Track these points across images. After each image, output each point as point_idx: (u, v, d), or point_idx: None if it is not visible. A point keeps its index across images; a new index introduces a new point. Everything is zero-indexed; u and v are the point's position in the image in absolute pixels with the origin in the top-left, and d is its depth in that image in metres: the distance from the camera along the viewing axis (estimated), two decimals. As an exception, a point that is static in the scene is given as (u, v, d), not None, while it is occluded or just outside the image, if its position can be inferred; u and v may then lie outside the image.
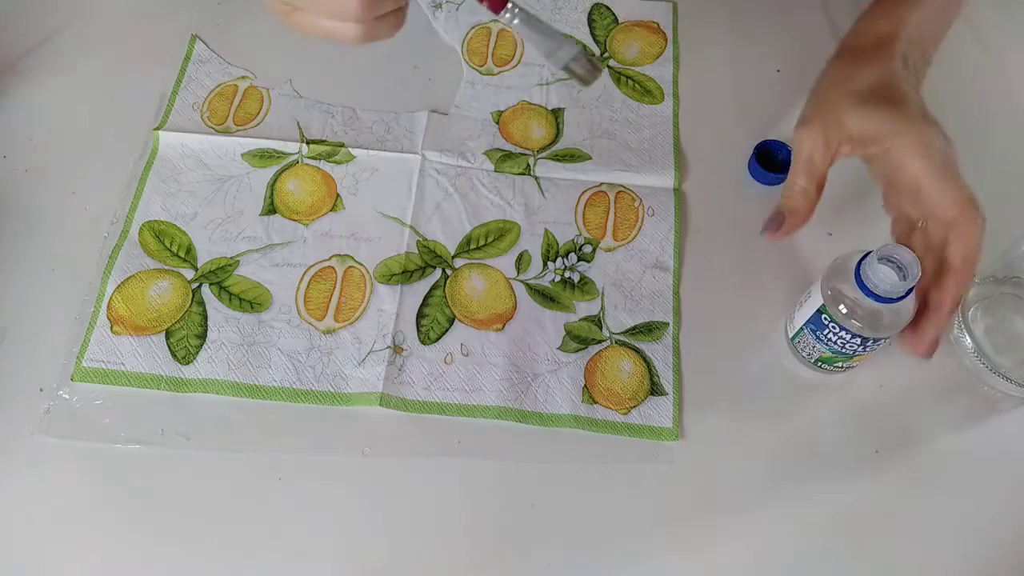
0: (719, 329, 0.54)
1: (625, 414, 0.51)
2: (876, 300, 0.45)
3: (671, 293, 0.55)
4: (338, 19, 0.40)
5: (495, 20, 0.66)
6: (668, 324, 0.54)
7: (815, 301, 0.48)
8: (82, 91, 0.61)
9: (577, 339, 0.53)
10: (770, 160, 0.59)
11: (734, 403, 0.51)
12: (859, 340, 0.47)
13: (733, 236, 0.57)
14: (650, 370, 0.52)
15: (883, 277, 0.44)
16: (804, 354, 0.51)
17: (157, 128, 0.59)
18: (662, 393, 0.51)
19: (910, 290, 0.45)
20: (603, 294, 0.55)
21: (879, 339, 0.47)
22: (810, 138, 0.49)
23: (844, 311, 0.47)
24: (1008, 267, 0.53)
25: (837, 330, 0.47)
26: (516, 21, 0.41)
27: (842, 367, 0.51)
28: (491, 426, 0.50)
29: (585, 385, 0.51)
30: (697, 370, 0.52)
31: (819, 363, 0.51)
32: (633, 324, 0.54)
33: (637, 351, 0.53)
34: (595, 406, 0.51)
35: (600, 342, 0.53)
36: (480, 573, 0.46)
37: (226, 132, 0.59)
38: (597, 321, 0.54)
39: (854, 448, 0.50)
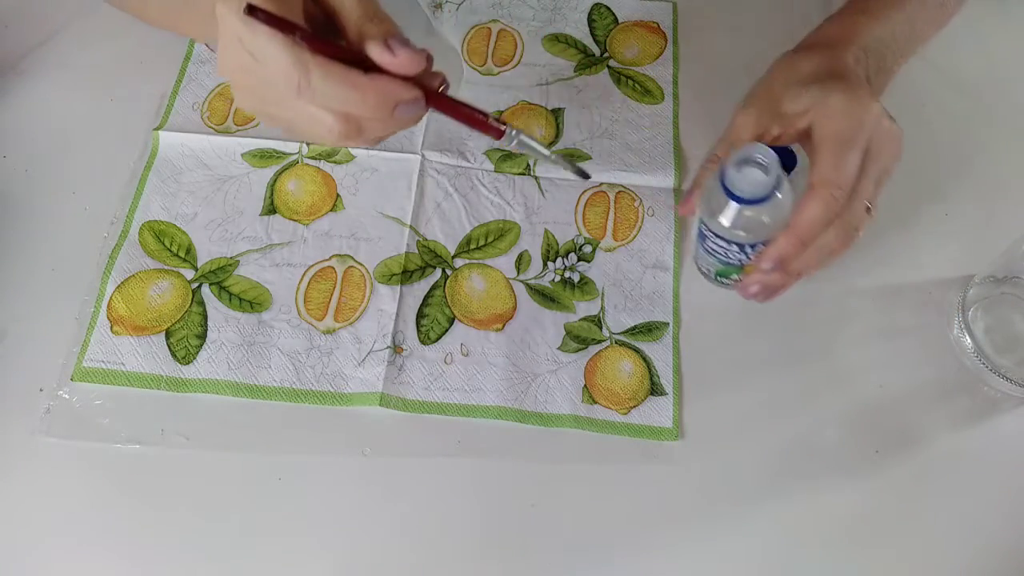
0: (719, 329, 0.54)
1: (625, 414, 0.51)
2: (742, 203, 0.44)
3: (671, 293, 0.55)
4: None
5: (495, 20, 0.66)
6: (668, 324, 0.54)
7: (699, 215, 0.49)
8: (82, 91, 0.61)
9: (577, 339, 0.53)
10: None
11: (734, 403, 0.51)
12: (737, 247, 0.47)
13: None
14: (650, 370, 0.52)
15: (744, 178, 0.44)
16: (704, 270, 0.52)
17: (157, 128, 0.59)
18: (662, 393, 0.51)
19: (774, 189, 0.44)
20: (603, 294, 0.55)
21: (756, 244, 0.46)
22: (742, 114, 0.50)
23: (724, 223, 0.46)
24: (1008, 267, 0.53)
25: (715, 239, 0.48)
26: (514, 143, 0.43)
27: (739, 279, 0.51)
28: (491, 426, 0.50)
29: (585, 385, 0.51)
30: (697, 370, 0.52)
31: (718, 277, 0.52)
32: (633, 324, 0.54)
33: (637, 351, 0.53)
34: (595, 406, 0.51)
35: (600, 342, 0.53)
36: (480, 573, 0.46)
37: (226, 132, 0.59)
38: (597, 321, 0.54)
39: (854, 448, 0.50)
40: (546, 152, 0.45)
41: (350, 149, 0.59)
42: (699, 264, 0.52)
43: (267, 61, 0.38)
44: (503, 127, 0.42)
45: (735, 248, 0.47)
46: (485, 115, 0.42)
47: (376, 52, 0.39)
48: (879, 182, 0.47)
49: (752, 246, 0.47)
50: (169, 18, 0.53)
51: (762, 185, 0.43)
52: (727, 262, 0.49)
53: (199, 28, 0.51)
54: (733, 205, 0.45)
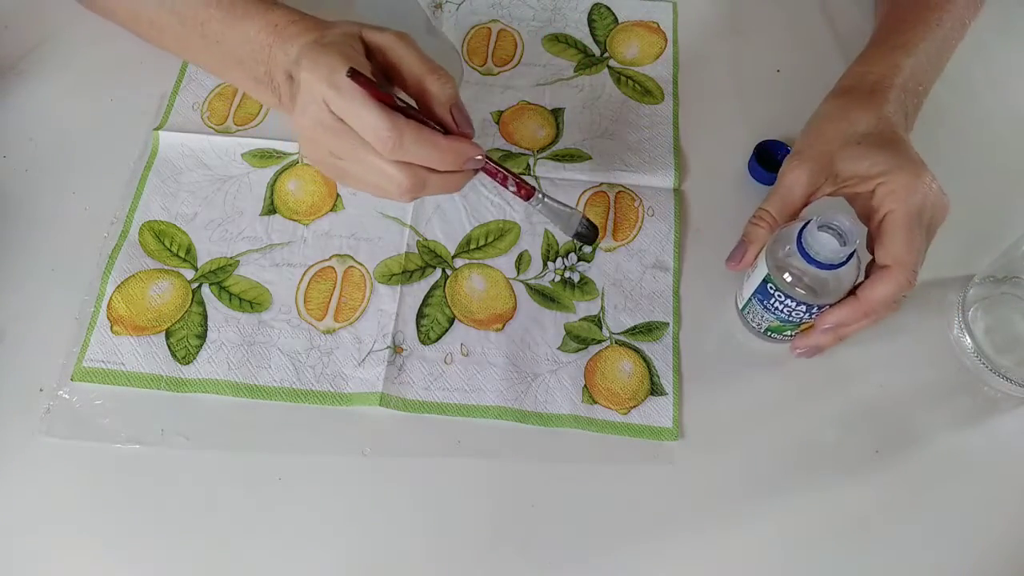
0: (719, 329, 0.54)
1: (625, 414, 0.51)
2: (818, 267, 0.45)
3: (671, 293, 0.55)
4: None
5: (495, 20, 0.66)
6: (668, 324, 0.54)
7: (761, 271, 0.49)
8: (82, 91, 0.61)
9: (577, 339, 0.53)
10: (770, 160, 0.59)
11: (734, 403, 0.51)
12: (804, 307, 0.48)
13: (733, 236, 0.56)
14: (650, 370, 0.52)
15: (824, 244, 0.45)
16: (754, 324, 0.52)
17: (157, 128, 0.59)
18: (662, 393, 0.51)
19: (850, 256, 0.46)
20: (603, 294, 0.55)
21: (823, 305, 0.48)
22: (795, 171, 0.49)
23: (789, 280, 0.47)
24: (1008, 267, 0.53)
25: (783, 299, 0.48)
26: (540, 206, 0.50)
27: (791, 336, 0.52)
28: (491, 426, 0.50)
29: (585, 385, 0.51)
30: (697, 370, 0.52)
31: (768, 332, 0.52)
32: (633, 324, 0.54)
33: (637, 351, 0.53)
34: (595, 406, 0.51)
35: (600, 342, 0.53)
36: (480, 573, 0.46)
37: (226, 132, 0.59)
38: (597, 321, 0.54)
39: (854, 448, 0.50)
40: (568, 209, 0.51)
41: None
42: (749, 318, 0.52)
43: (360, 122, 0.42)
44: (533, 189, 0.49)
45: (803, 308, 0.48)
46: (521, 178, 0.49)
47: (449, 119, 0.46)
48: (927, 247, 0.49)
49: (820, 307, 0.48)
50: (188, 51, 0.55)
51: (843, 251, 0.45)
52: (787, 320, 0.50)
53: (220, 67, 0.53)
54: (812, 268, 0.46)
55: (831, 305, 0.48)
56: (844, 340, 0.50)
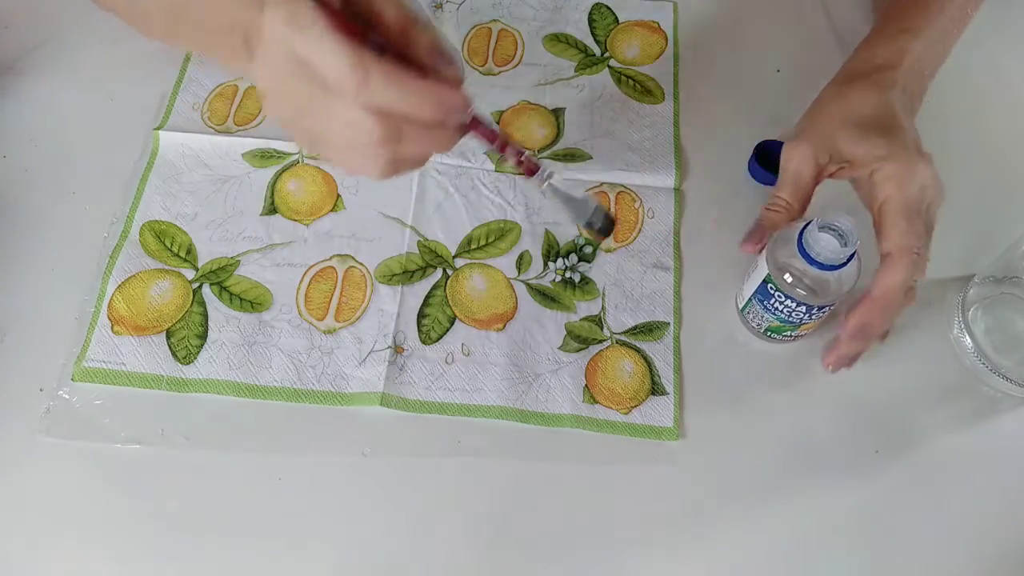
0: (720, 329, 0.54)
1: (626, 414, 0.51)
2: (819, 268, 0.46)
3: (672, 293, 0.55)
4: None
5: (496, 20, 0.66)
6: (669, 324, 0.54)
7: (761, 272, 0.49)
8: (82, 91, 0.61)
9: (578, 339, 0.53)
10: (770, 160, 0.59)
11: (734, 403, 0.51)
12: (805, 308, 0.48)
13: (733, 236, 0.57)
14: (651, 370, 0.52)
15: (824, 245, 0.45)
16: (754, 324, 0.52)
17: (157, 128, 0.59)
18: (663, 393, 0.51)
19: (851, 257, 0.45)
20: (604, 294, 0.55)
21: (824, 306, 0.48)
22: (798, 154, 0.49)
23: (789, 280, 0.47)
24: (1008, 267, 0.53)
25: (783, 299, 0.48)
26: (546, 186, 0.42)
27: (791, 336, 0.52)
28: (492, 426, 0.50)
29: (586, 385, 0.51)
30: (697, 370, 0.52)
31: (768, 332, 0.52)
32: (634, 324, 0.54)
33: (638, 351, 0.53)
34: (596, 406, 0.51)
35: (601, 342, 0.53)
36: (480, 573, 0.46)
37: (226, 132, 0.59)
38: (598, 321, 0.54)
39: (854, 448, 0.50)
40: (577, 196, 0.43)
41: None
42: (749, 318, 0.52)
43: (321, 59, 0.37)
44: (537, 166, 0.41)
45: (803, 309, 0.48)
46: (520, 149, 0.41)
47: (431, 59, 0.39)
48: (931, 233, 0.48)
49: (820, 308, 0.48)
50: (173, 31, 0.51)
51: (843, 252, 0.45)
52: (787, 320, 0.50)
53: (203, 41, 0.50)
54: (813, 269, 0.46)
55: (832, 307, 0.48)
56: (870, 342, 0.49)
